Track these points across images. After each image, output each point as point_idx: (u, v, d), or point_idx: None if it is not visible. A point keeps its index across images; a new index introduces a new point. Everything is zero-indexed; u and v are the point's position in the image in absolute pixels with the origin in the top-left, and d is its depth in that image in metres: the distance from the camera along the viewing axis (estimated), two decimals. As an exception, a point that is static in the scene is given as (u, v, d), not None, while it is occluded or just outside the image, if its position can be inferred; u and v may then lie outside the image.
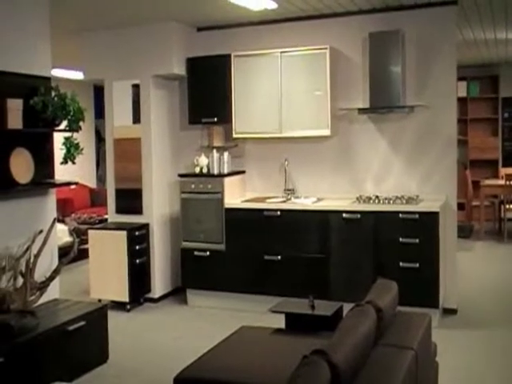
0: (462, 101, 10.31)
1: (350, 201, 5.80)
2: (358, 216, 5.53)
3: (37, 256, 4.42)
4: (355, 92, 6.00)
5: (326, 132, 5.90)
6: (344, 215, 5.58)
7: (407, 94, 5.78)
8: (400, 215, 5.38)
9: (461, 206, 7.94)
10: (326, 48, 5.84)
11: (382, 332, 2.82)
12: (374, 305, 2.81)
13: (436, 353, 3.44)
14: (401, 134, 5.91)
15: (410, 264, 5.33)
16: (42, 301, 4.54)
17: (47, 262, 4.75)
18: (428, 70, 5.75)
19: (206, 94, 6.35)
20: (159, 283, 6.51)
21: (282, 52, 6.01)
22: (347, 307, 3.50)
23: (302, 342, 3.56)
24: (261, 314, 5.48)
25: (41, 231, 4.59)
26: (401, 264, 5.36)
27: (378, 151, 6.00)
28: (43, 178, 4.66)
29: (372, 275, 5.12)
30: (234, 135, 6.27)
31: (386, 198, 5.70)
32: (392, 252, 5.42)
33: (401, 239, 5.37)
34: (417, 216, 5.32)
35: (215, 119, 6.32)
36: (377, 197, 5.78)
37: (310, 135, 6.03)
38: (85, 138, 8.81)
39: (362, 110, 5.87)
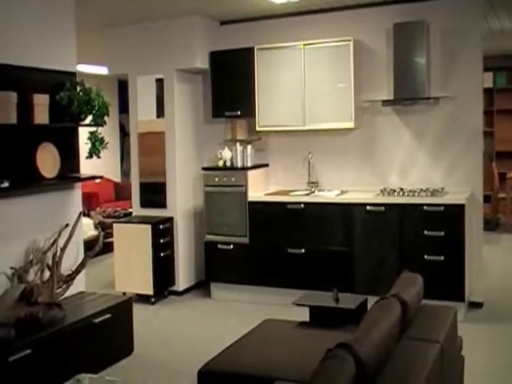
0: (488, 92, 10.13)
1: (374, 193, 5.76)
2: (383, 209, 5.50)
3: (63, 249, 4.48)
4: (379, 84, 5.96)
5: (350, 124, 5.86)
6: (368, 208, 5.55)
7: (432, 86, 5.71)
8: (425, 208, 5.33)
9: (487, 199, 7.83)
10: (349, 40, 5.80)
11: (407, 325, 2.80)
12: (399, 298, 2.79)
13: (462, 347, 3.41)
14: (425, 126, 5.85)
15: (435, 257, 5.29)
16: (68, 293, 4.59)
17: (73, 255, 4.81)
18: (453, 60, 5.68)
19: (230, 87, 6.35)
20: (183, 276, 6.55)
21: (305, 44, 5.98)
22: (371, 300, 3.49)
23: (326, 336, 3.55)
24: (284, 307, 5.47)
25: (67, 225, 4.64)
26: (426, 257, 5.31)
27: (402, 143, 5.95)
28: (69, 173, 4.71)
29: (396, 268, 5.09)
30: (258, 128, 6.27)
31: (410, 191, 5.66)
32: (417, 245, 5.38)
33: (426, 232, 5.32)
34: (442, 208, 5.27)
35: (238, 112, 6.32)
36: (401, 189, 5.74)
37: (333, 128, 6.00)
38: (109, 132, 8.85)
39: (386, 102, 5.83)
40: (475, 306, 5.66)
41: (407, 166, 5.95)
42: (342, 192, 6.00)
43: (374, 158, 6.08)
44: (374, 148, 6.08)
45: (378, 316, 2.59)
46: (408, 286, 3.08)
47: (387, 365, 2.39)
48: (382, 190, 5.81)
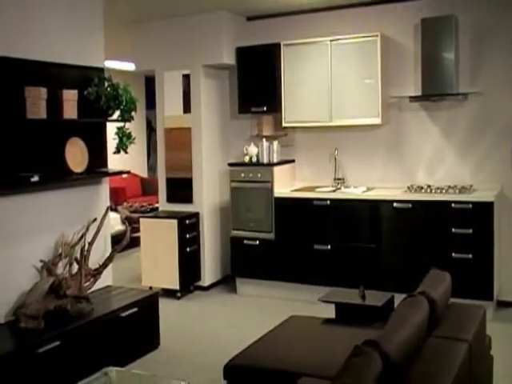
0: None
1: (401, 190, 5.72)
2: (410, 205, 5.45)
3: (91, 243, 4.53)
4: (406, 79, 5.90)
5: (377, 120, 5.82)
6: (395, 205, 5.51)
7: (461, 81, 5.64)
8: (453, 205, 5.27)
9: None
10: (376, 35, 5.75)
11: (435, 324, 2.77)
12: (426, 296, 2.76)
13: (491, 346, 3.37)
14: (454, 122, 5.78)
15: (463, 255, 5.23)
16: (95, 287, 4.65)
17: (101, 249, 4.86)
18: (483, 55, 5.60)
19: (256, 83, 6.35)
20: (209, 271, 6.58)
21: (331, 40, 5.94)
22: (398, 298, 3.47)
23: (353, 333, 3.55)
24: (310, 303, 5.47)
25: (95, 219, 4.70)
26: (453, 255, 5.26)
27: (430, 139, 5.89)
28: (97, 167, 4.75)
29: (423, 266, 5.02)
30: (284, 124, 6.26)
31: (438, 188, 5.60)
32: (444, 242, 5.32)
33: (453, 229, 5.26)
34: (470, 206, 5.21)
35: (265, 108, 6.32)
36: (429, 186, 5.68)
37: (360, 124, 5.96)
38: (136, 128, 8.93)
39: (413, 98, 5.77)
40: (504, 305, 5.59)
41: (435, 163, 5.88)
42: (369, 189, 5.97)
43: (401, 154, 6.03)
44: (401, 144, 6.02)
45: (405, 313, 2.57)
46: (436, 283, 3.05)
47: (415, 363, 2.37)
48: (409, 187, 5.76)
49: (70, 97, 4.37)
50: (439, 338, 2.68)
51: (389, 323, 2.48)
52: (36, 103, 4.03)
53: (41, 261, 4.28)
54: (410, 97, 5.77)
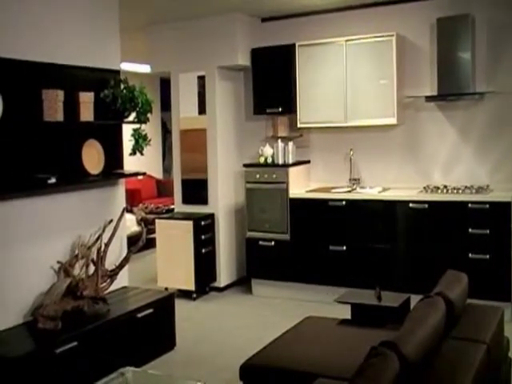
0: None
1: (416, 190, 5.69)
2: (426, 206, 5.42)
3: (107, 245, 4.55)
4: (422, 79, 5.87)
5: (393, 120, 5.80)
6: (411, 205, 5.48)
7: (477, 81, 5.59)
8: (469, 205, 5.24)
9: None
10: (392, 35, 5.73)
11: (452, 325, 2.76)
12: (443, 296, 2.75)
13: (509, 348, 3.34)
14: (470, 122, 5.74)
15: (480, 255, 5.19)
16: (112, 288, 4.67)
17: (117, 250, 4.89)
18: (500, 54, 5.55)
19: (271, 84, 6.35)
20: (224, 272, 6.59)
21: (347, 40, 5.93)
22: (414, 299, 3.45)
23: (369, 333, 3.54)
24: (326, 304, 5.46)
25: (111, 221, 4.72)
26: (470, 255, 5.22)
27: (446, 139, 5.85)
28: (113, 169, 4.78)
29: (440, 266, 4.99)
30: (299, 125, 6.25)
31: (454, 188, 5.56)
32: (461, 243, 5.29)
33: (470, 230, 5.23)
34: (487, 206, 5.17)
35: (280, 109, 6.32)
36: (445, 186, 5.64)
37: (375, 124, 5.94)
38: (151, 130, 8.97)
39: (429, 98, 5.74)
40: (521, 305, 5.53)
41: (451, 163, 5.85)
42: (384, 189, 5.94)
43: (416, 154, 6.00)
44: (417, 144, 5.99)
45: (422, 314, 2.56)
46: (453, 284, 3.03)
47: (432, 364, 2.36)
48: (425, 187, 5.73)
49: (86, 99, 4.40)
50: (456, 339, 2.67)
51: (405, 324, 2.47)
52: (53, 106, 4.07)
53: (58, 262, 4.31)
54: (426, 97, 5.74)
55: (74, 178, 4.42)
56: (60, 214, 4.43)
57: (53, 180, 4.08)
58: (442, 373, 2.34)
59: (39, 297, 4.17)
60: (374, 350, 2.14)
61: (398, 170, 6.08)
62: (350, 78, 5.94)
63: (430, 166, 5.94)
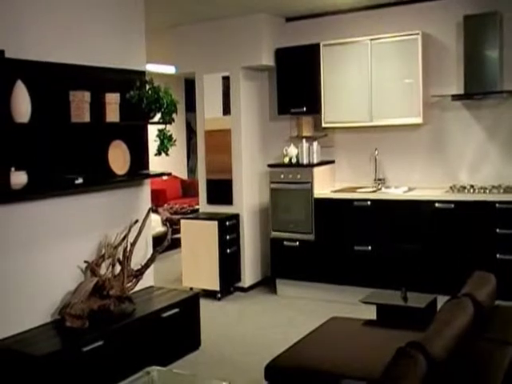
0: None
1: (442, 190, 5.63)
2: (452, 206, 5.36)
3: (133, 244, 4.59)
4: (448, 78, 5.81)
5: (418, 120, 5.75)
6: (437, 205, 5.43)
7: (505, 79, 5.51)
8: (497, 205, 5.17)
9: None
10: (417, 34, 5.68)
11: (480, 326, 2.72)
12: (471, 297, 2.71)
13: (538, 349, 3.29)
14: (497, 121, 5.66)
15: (508, 256, 5.12)
16: (137, 288, 4.71)
17: (142, 250, 4.93)
18: (528, 53, 5.47)
19: (295, 84, 6.34)
20: (249, 273, 6.59)
21: (371, 39, 5.90)
22: (441, 300, 3.42)
23: (395, 335, 3.51)
24: (351, 305, 5.43)
25: (136, 221, 4.76)
26: (498, 256, 5.15)
27: (472, 139, 5.78)
28: (139, 170, 4.81)
29: (467, 267, 4.95)
30: (324, 125, 6.23)
31: (481, 188, 5.49)
32: (488, 243, 5.22)
33: (498, 230, 5.16)
34: (515, 206, 5.10)
35: (304, 109, 6.30)
36: (472, 186, 5.57)
37: (401, 123, 5.89)
38: (176, 130, 9.02)
39: (455, 97, 5.67)
40: (551, 307, 5.44)
41: (478, 162, 5.77)
42: (410, 189, 5.89)
43: (442, 154, 5.94)
44: (443, 144, 5.93)
45: (449, 315, 2.53)
46: (481, 285, 2.99)
47: (460, 366, 2.33)
48: (451, 187, 5.67)
49: (112, 100, 4.43)
50: (485, 340, 2.63)
51: (432, 325, 2.45)
52: (80, 107, 4.11)
53: (85, 261, 4.36)
54: (452, 95, 5.67)
55: (101, 179, 4.46)
56: (87, 214, 4.48)
57: (80, 180, 4.12)
58: (469, 374, 2.31)
59: (66, 296, 4.22)
60: (400, 351, 2.12)
61: (423, 169, 6.02)
62: (374, 78, 5.90)
63: (456, 166, 5.88)
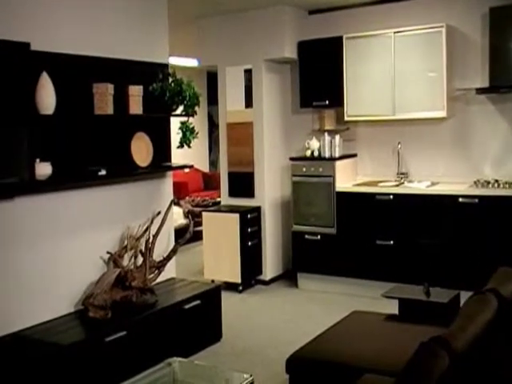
0: None
1: (466, 185, 5.58)
2: (476, 201, 5.31)
3: (155, 236, 4.62)
4: (473, 71, 5.74)
5: (442, 113, 5.69)
6: (460, 200, 5.37)
7: (532, 72, 5.44)
8: (522, 200, 5.11)
9: None
10: (442, 26, 5.61)
11: (505, 322, 2.69)
12: (496, 293, 2.68)
13: (563, 346, 3.25)
14: (524, 115, 5.59)
15: (532, 252, 5.06)
16: (159, 279, 4.74)
17: (164, 242, 4.96)
18: (555, 45, 5.38)
19: (318, 77, 6.32)
20: (270, 266, 6.60)
21: (395, 32, 5.84)
22: (464, 296, 3.39)
23: (417, 329, 3.49)
24: (372, 299, 5.42)
25: (159, 213, 4.78)
26: (523, 252, 5.10)
27: (497, 133, 5.71)
28: (161, 162, 4.83)
29: (491, 263, 4.90)
30: (346, 118, 6.20)
31: (506, 182, 5.43)
32: (513, 239, 5.16)
33: (523, 226, 5.10)
34: (541, 201, 5.03)
35: (327, 102, 6.28)
36: (496, 181, 5.51)
37: (424, 117, 5.83)
38: (198, 123, 9.03)
39: (480, 90, 5.60)
40: None
41: (503, 157, 5.70)
42: (433, 183, 5.84)
43: (466, 148, 5.88)
44: (467, 138, 5.87)
45: (474, 311, 2.51)
46: (505, 281, 2.95)
47: (483, 362, 2.31)
48: (475, 182, 5.61)
49: (135, 92, 4.45)
50: (509, 336, 2.60)
51: (456, 320, 2.43)
52: (103, 99, 4.13)
53: (108, 252, 4.40)
54: (477, 89, 5.60)
55: (124, 171, 4.49)
56: (109, 205, 4.51)
57: (103, 172, 4.16)
58: (493, 371, 2.29)
59: (89, 286, 4.27)
60: (423, 346, 2.11)
61: (447, 164, 5.97)
62: (398, 71, 5.85)
63: (480, 160, 5.81)
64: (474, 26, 5.72)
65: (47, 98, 3.76)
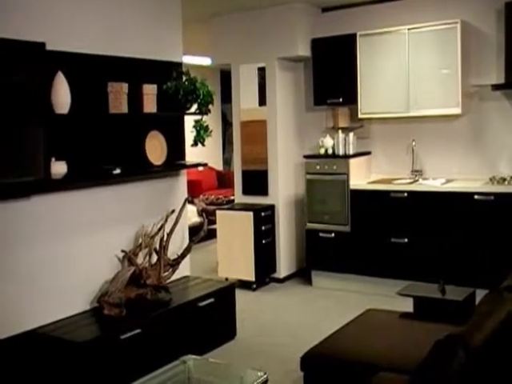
0: None
1: (482, 182, 5.54)
2: (492, 198, 5.27)
3: (169, 234, 4.63)
4: (488, 67, 5.69)
5: (457, 110, 5.65)
6: (476, 197, 5.34)
7: (548, 68, 5.39)
8: (538, 197, 5.06)
9: None
10: (456, 22, 5.57)
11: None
12: (512, 291, 2.66)
13: None
14: (540, 111, 5.54)
15: (549, 249, 5.01)
16: (174, 277, 4.75)
17: (179, 240, 4.97)
18: None
19: (331, 74, 6.30)
20: (284, 264, 6.59)
21: (409, 29, 5.81)
22: (480, 294, 3.36)
23: (432, 327, 3.47)
24: (387, 297, 5.40)
25: (173, 211, 4.79)
26: (539, 249, 5.05)
27: (513, 130, 5.67)
28: (175, 160, 4.85)
29: (506, 260, 4.87)
30: (360, 115, 6.18)
31: (522, 180, 5.39)
32: (529, 236, 5.12)
33: (539, 223, 5.06)
34: (558, 198, 4.98)
35: (340, 100, 6.26)
36: (512, 178, 5.48)
37: (439, 114, 5.80)
38: (212, 122, 9.05)
39: (496, 87, 5.55)
40: None
41: (519, 154, 5.66)
42: (448, 180, 5.81)
43: (482, 145, 5.83)
44: (483, 135, 5.82)
45: (490, 308, 2.49)
46: (521, 278, 2.93)
47: (499, 361, 2.29)
48: (490, 179, 5.57)
49: (149, 91, 4.47)
50: (525, 334, 2.58)
51: (472, 318, 2.41)
52: (118, 98, 4.16)
53: (122, 251, 4.42)
54: (492, 85, 5.56)
55: (138, 169, 4.51)
56: (124, 203, 4.54)
57: (118, 171, 4.18)
58: (509, 368, 2.27)
59: (104, 284, 4.30)
60: (439, 343, 2.10)
61: (462, 161, 5.93)
62: (412, 67, 5.82)
63: (496, 157, 5.77)
64: (489, 21, 5.67)
65: (62, 97, 3.79)
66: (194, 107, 4.78)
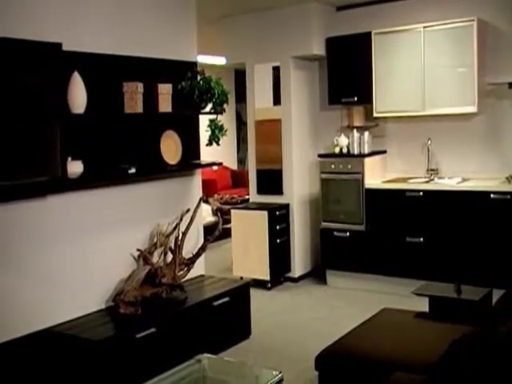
0: None
1: (498, 181, 5.49)
2: (508, 197, 5.23)
3: (184, 233, 4.64)
4: (505, 65, 5.64)
5: (473, 109, 5.61)
6: (492, 196, 5.30)
7: None
8: (556, 197, 5.01)
9: None
10: (473, 20, 5.53)
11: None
12: (529, 291, 2.65)
13: None
14: (557, 110, 5.48)
15: None
16: (189, 276, 4.76)
17: (194, 239, 4.99)
18: None
19: (346, 73, 6.28)
20: (299, 263, 6.59)
21: (424, 27, 5.78)
22: (496, 294, 3.34)
23: (448, 327, 3.45)
24: (402, 296, 5.37)
25: (188, 210, 4.81)
26: (556, 249, 5.00)
27: (530, 128, 5.62)
28: (190, 160, 4.86)
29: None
30: (375, 114, 6.16)
31: (539, 179, 5.34)
32: (546, 236, 5.07)
33: (556, 222, 5.01)
34: None
35: (355, 99, 6.24)
36: (529, 177, 5.43)
37: (454, 112, 5.76)
38: (227, 121, 9.06)
39: (512, 85, 5.52)
40: None
41: (536, 153, 5.61)
42: (464, 179, 5.77)
43: (498, 143, 5.79)
44: (499, 133, 5.78)
45: (506, 309, 2.47)
46: (539, 278, 2.91)
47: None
48: (507, 178, 5.52)
49: (164, 91, 4.48)
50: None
51: (488, 318, 2.40)
52: (133, 98, 4.17)
53: (138, 249, 4.44)
54: (509, 83, 5.51)
55: (153, 169, 4.53)
56: (139, 203, 4.56)
57: (133, 170, 4.20)
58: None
59: (120, 283, 4.32)
60: (455, 343, 2.09)
61: (478, 159, 5.88)
62: (428, 66, 5.78)
63: (512, 156, 5.72)
64: (505, 19, 5.62)
65: (78, 97, 3.82)
66: (209, 106, 4.78)
